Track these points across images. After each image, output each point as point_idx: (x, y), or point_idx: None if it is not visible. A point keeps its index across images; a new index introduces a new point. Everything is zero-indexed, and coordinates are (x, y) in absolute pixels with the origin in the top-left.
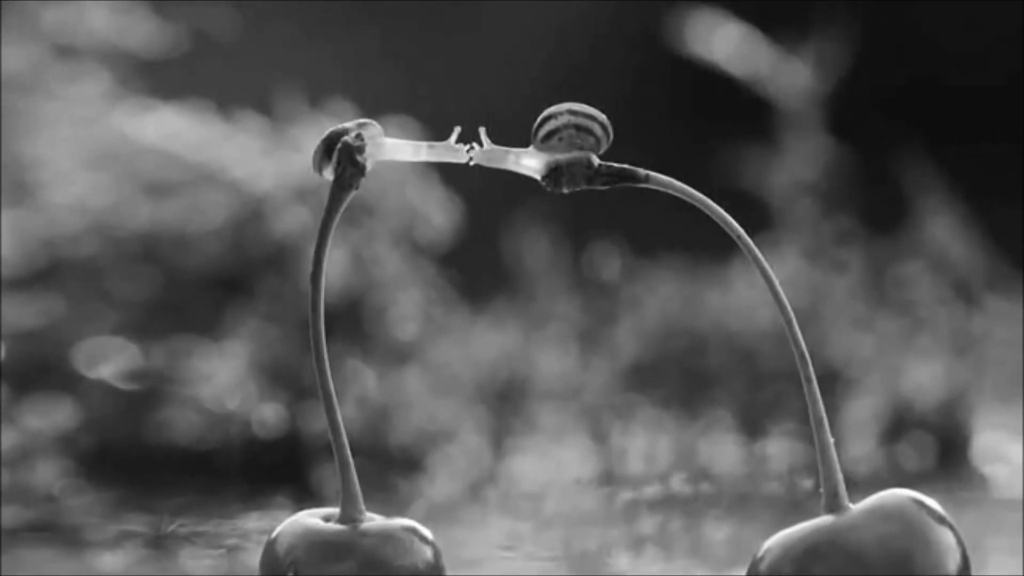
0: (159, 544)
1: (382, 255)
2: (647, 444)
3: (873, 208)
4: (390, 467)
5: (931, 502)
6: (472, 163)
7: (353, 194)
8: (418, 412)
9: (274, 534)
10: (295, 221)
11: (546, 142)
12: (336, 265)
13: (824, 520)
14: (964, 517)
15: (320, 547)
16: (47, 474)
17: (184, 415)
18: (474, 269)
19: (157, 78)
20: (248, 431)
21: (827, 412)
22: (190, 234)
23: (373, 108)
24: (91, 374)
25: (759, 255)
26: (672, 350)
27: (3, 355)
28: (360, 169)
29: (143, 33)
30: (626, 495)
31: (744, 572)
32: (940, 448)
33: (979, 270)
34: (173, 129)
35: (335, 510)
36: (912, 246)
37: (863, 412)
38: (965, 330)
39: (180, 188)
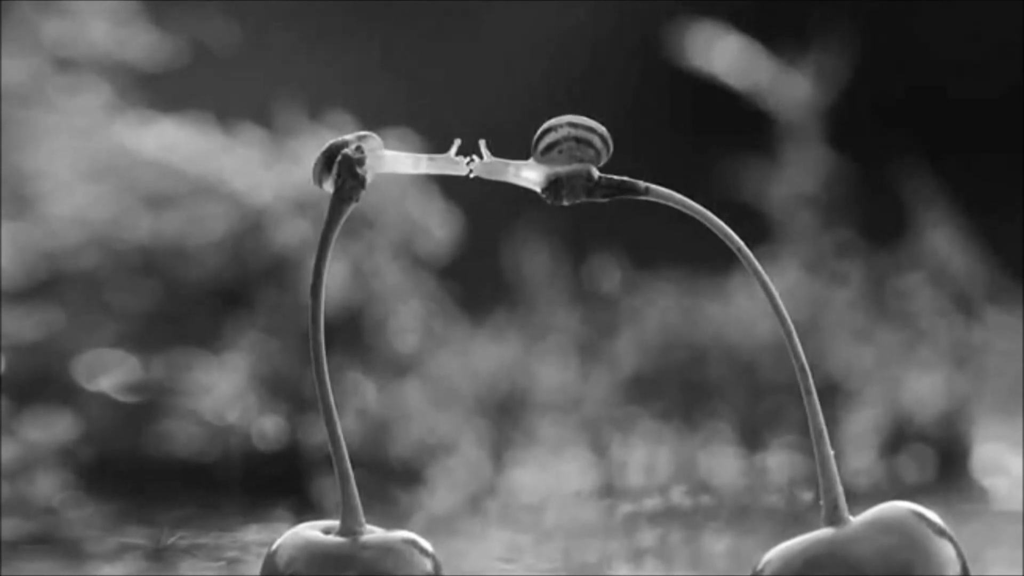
0: (159, 556)
1: (382, 267)
2: (647, 456)
3: (873, 220)
4: (390, 479)
5: (931, 514)
6: (472, 175)
7: (353, 206)
8: (418, 424)
9: (274, 546)
10: (295, 233)
11: (546, 154)
12: (336, 277)
13: (824, 532)
14: (964, 529)
15: (320, 559)
16: (47, 486)
17: (184, 427)
18: (474, 281)
19: (157, 90)
20: (248, 443)
21: (827, 424)
22: (190, 246)
23: (373, 120)
24: (91, 386)
25: (759, 267)
26: (672, 362)
27: (3, 367)
28: (360, 181)
29: (143, 45)
30: (626, 507)
31: None
32: (940, 460)
33: (979, 282)
34: (173, 141)
35: (335, 522)
36: (912, 258)
37: (863, 424)
38: (965, 342)
39: (180, 200)
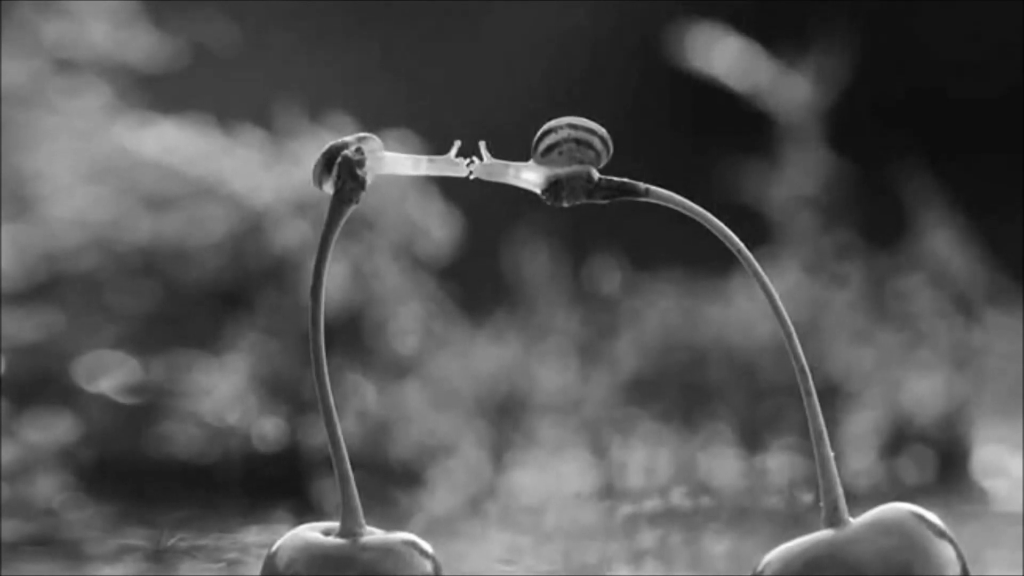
0: (159, 558)
1: (382, 269)
2: (647, 458)
3: (873, 221)
4: (390, 481)
5: (931, 516)
6: (472, 177)
7: (353, 208)
8: (418, 426)
9: (274, 548)
10: (295, 235)
11: (546, 156)
12: (336, 279)
13: (824, 534)
14: (964, 531)
15: (320, 561)
16: (47, 488)
17: (184, 429)
18: (474, 283)
19: (157, 91)
20: (248, 445)
21: (827, 426)
22: (190, 248)
23: (373, 122)
24: (91, 388)
25: (759, 269)
26: (672, 364)
27: (3, 369)
28: (360, 183)
29: (143, 47)
30: (626, 509)
31: None
32: (940, 462)
33: (979, 283)
34: (173, 143)
35: (335, 524)
36: (912, 259)
37: (863, 425)
38: (965, 343)
39: (180, 201)
